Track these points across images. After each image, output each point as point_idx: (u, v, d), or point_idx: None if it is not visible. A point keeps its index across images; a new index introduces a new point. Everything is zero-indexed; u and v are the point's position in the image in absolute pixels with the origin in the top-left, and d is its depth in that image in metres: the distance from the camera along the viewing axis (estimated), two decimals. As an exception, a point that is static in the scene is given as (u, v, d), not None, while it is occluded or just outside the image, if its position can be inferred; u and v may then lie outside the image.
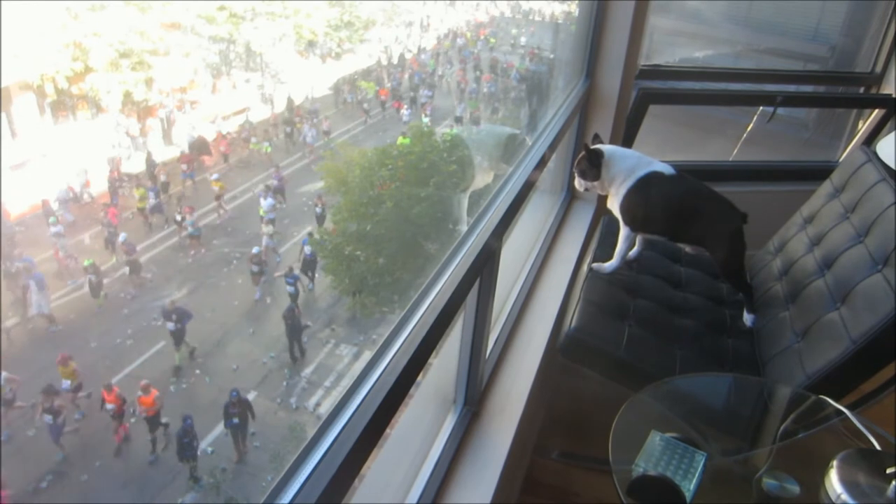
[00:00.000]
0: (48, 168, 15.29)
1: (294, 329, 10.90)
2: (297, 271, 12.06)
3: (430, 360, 1.32)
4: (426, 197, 11.07)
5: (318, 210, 14.35)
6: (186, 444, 8.51)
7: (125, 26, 16.58)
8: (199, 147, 17.53)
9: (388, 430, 1.23)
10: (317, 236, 12.50)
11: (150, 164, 16.02)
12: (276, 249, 13.69)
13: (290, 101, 19.98)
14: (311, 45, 23.56)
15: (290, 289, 11.78)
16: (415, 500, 1.51)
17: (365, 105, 21.06)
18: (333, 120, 19.20)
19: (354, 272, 11.36)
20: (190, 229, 13.61)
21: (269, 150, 16.23)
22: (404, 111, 19.14)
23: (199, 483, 8.48)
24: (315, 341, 11.61)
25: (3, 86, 15.31)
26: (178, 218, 13.80)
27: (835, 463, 1.34)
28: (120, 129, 17.16)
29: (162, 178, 15.38)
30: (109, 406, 8.85)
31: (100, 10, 16.09)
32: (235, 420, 8.94)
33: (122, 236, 12.86)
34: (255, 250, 12.65)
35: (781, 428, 1.70)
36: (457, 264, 1.45)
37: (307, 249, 12.20)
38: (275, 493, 0.88)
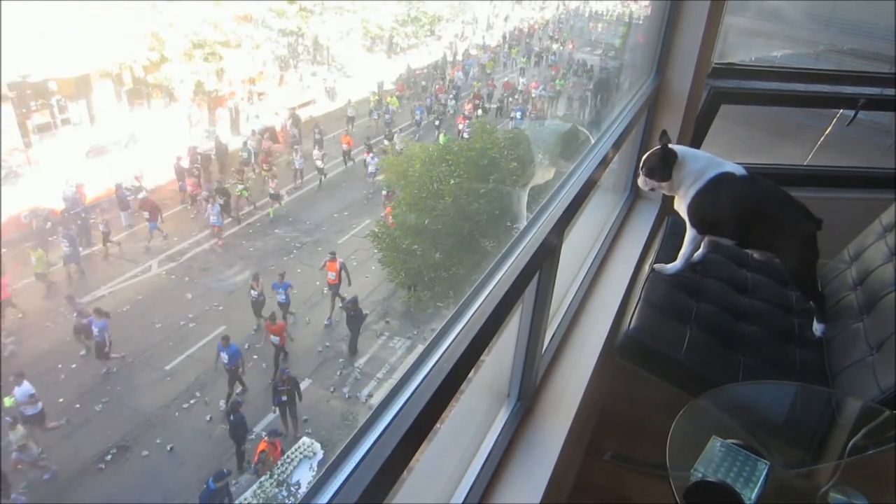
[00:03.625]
0: (125, 154, 16.02)
1: (353, 320, 11.08)
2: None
3: (483, 357, 1.30)
4: (485, 193, 11.05)
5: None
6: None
7: (200, 18, 17.15)
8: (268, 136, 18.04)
9: (437, 424, 1.22)
10: (375, 228, 12.62)
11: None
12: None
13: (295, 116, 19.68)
14: (377, 39, 23.85)
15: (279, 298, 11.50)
16: (465, 493, 1.51)
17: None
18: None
19: (410, 266, 11.45)
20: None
21: (245, 193, 14.93)
22: (369, 159, 16.73)
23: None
24: (369, 333, 11.77)
25: (85, 73, 16.14)
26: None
27: (908, 482, 1.28)
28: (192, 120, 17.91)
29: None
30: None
31: (177, 0, 16.70)
32: (284, 398, 9.30)
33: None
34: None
35: (851, 442, 1.62)
36: (515, 258, 1.45)
37: (224, 357, 9.75)
38: (327, 474, 0.89)
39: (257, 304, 11.35)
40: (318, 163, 16.74)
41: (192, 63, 17.62)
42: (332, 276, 11.65)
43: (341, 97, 21.54)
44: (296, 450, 8.49)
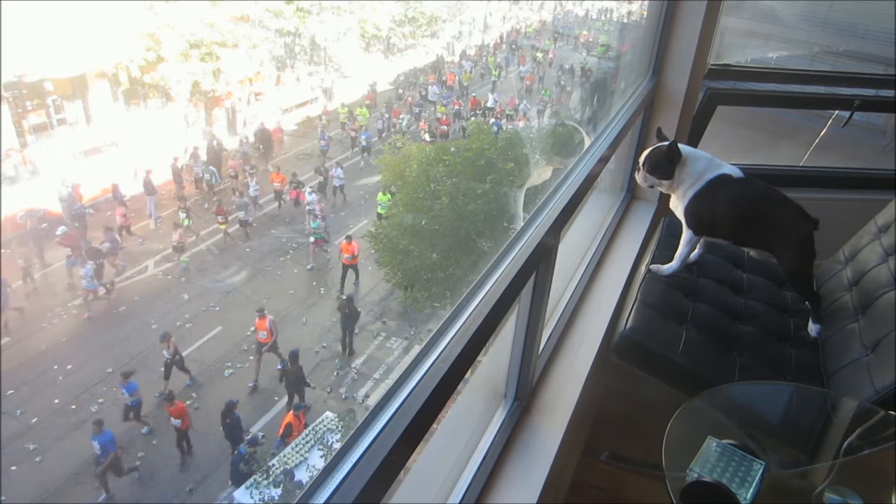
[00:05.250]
0: (120, 154, 15.98)
1: (347, 319, 11.08)
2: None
3: (479, 358, 1.30)
4: (482, 194, 11.05)
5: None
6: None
7: (196, 18, 17.12)
8: (264, 137, 18.01)
9: (434, 425, 1.22)
10: (372, 228, 12.63)
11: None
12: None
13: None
14: (374, 39, 23.80)
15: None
16: (462, 493, 1.51)
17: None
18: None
19: (407, 266, 11.44)
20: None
21: (187, 222, 13.51)
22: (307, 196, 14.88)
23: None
24: (366, 333, 11.77)
25: (82, 73, 16.09)
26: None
27: (903, 481, 1.28)
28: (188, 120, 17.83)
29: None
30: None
31: (174, 0, 16.66)
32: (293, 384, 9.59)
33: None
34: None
35: (846, 442, 1.63)
36: (512, 259, 1.45)
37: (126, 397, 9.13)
38: (324, 473, 0.89)
39: (169, 368, 9.91)
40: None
41: (188, 63, 17.58)
42: (262, 335, 10.33)
43: (338, 98, 21.57)
44: (319, 423, 8.75)
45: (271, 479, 7.79)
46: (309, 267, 13.43)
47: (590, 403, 2.45)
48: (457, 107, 21.81)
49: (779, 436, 1.72)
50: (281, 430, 8.67)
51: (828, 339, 2.01)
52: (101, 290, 11.85)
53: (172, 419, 8.77)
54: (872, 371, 1.74)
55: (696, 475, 1.37)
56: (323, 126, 18.94)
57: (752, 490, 1.33)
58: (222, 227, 13.94)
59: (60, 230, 12.28)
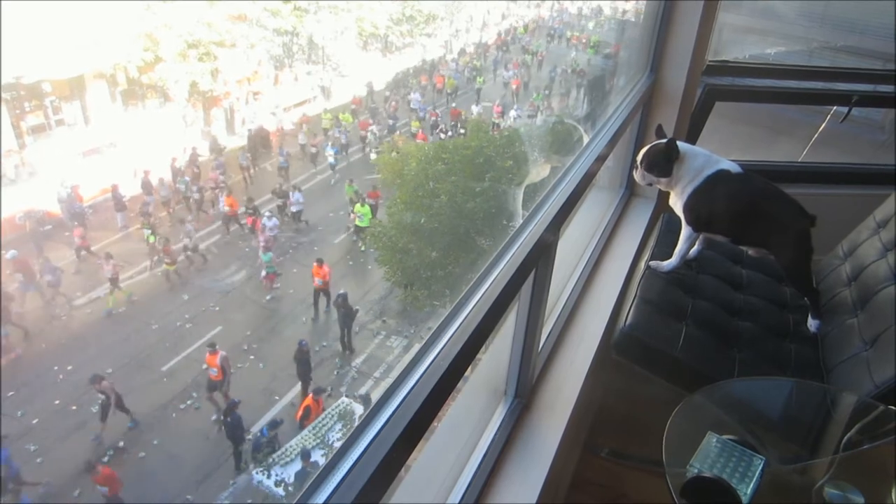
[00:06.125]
0: (119, 154, 15.96)
1: (344, 318, 11.10)
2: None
3: (479, 355, 1.30)
4: (481, 192, 11.06)
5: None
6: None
7: (194, 17, 17.10)
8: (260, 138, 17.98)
9: (435, 423, 1.21)
10: (371, 227, 12.63)
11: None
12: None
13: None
14: (372, 38, 23.74)
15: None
16: (463, 490, 1.51)
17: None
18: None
19: (407, 265, 11.45)
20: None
21: (152, 239, 12.82)
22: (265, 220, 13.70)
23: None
24: (366, 332, 11.77)
25: (79, 74, 16.06)
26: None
27: (903, 476, 1.28)
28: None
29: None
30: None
31: (172, 0, 16.64)
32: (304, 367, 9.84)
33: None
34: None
35: (846, 437, 1.63)
36: (511, 256, 1.45)
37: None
38: (323, 473, 0.89)
39: (105, 409, 9.13)
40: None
41: (186, 63, 17.57)
42: (213, 371, 9.55)
43: (336, 97, 21.58)
44: (336, 407, 9.21)
45: (290, 459, 8.15)
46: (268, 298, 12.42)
47: (590, 400, 2.45)
48: (433, 117, 20.11)
49: (779, 431, 1.73)
50: (300, 413, 8.99)
51: (827, 334, 2.02)
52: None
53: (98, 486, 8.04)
54: (872, 366, 1.74)
55: (696, 471, 1.37)
56: (304, 132, 17.95)
57: (752, 485, 1.33)
58: (169, 267, 12.53)
59: (10, 254, 11.42)
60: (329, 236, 14.74)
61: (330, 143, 17.67)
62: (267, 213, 13.94)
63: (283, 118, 19.59)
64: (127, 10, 15.90)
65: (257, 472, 8.14)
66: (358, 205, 13.95)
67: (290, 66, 21.23)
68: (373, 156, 16.51)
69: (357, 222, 13.87)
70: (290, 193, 14.64)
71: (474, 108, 20.78)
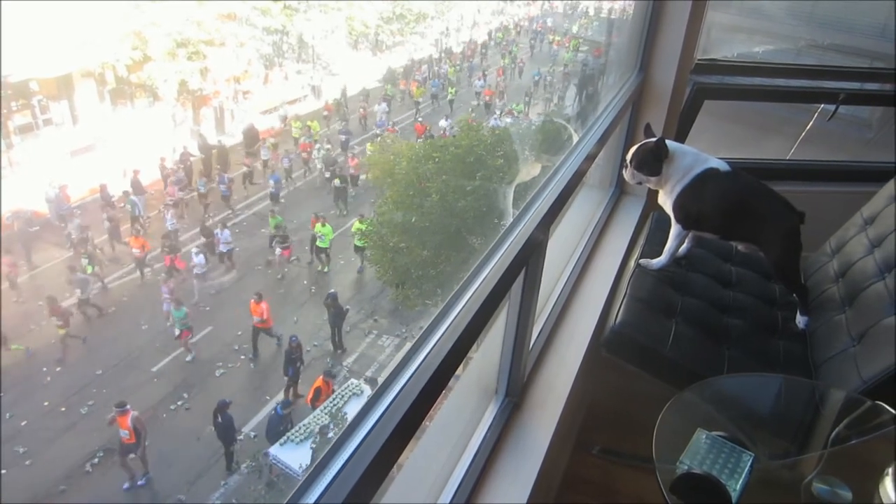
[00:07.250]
0: (108, 153, 15.84)
1: (334, 317, 11.08)
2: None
3: (470, 354, 1.30)
4: (472, 190, 11.06)
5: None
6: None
7: (183, 16, 17.00)
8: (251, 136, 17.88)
9: (426, 422, 1.21)
10: (362, 226, 12.58)
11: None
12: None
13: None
14: (362, 37, 23.67)
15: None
16: (454, 489, 1.51)
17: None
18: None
19: (398, 264, 11.45)
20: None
21: (90, 269, 11.86)
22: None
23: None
24: (357, 332, 11.75)
25: (67, 73, 15.93)
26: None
27: (890, 470, 1.30)
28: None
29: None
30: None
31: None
32: (299, 365, 10.07)
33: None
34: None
35: (834, 433, 1.65)
36: (502, 254, 1.45)
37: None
38: (314, 473, 0.88)
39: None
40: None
41: (175, 62, 17.46)
42: (124, 433, 8.26)
43: (326, 95, 21.53)
44: (346, 388, 9.45)
45: (304, 436, 8.46)
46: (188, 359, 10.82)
47: (581, 398, 2.46)
48: (392, 134, 17.98)
49: (768, 427, 1.74)
50: (310, 395, 9.34)
51: (815, 330, 2.03)
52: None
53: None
54: (859, 361, 1.76)
55: (686, 467, 1.38)
56: (267, 147, 16.71)
57: (741, 481, 1.34)
58: (60, 331, 10.57)
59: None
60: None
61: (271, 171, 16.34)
62: (195, 249, 12.79)
63: (272, 118, 19.46)
64: (115, 9, 15.79)
65: (274, 448, 8.44)
66: (319, 224, 13.14)
67: (280, 65, 21.16)
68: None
69: (318, 243, 13.19)
70: (217, 231, 13.30)
71: (443, 123, 18.79)
